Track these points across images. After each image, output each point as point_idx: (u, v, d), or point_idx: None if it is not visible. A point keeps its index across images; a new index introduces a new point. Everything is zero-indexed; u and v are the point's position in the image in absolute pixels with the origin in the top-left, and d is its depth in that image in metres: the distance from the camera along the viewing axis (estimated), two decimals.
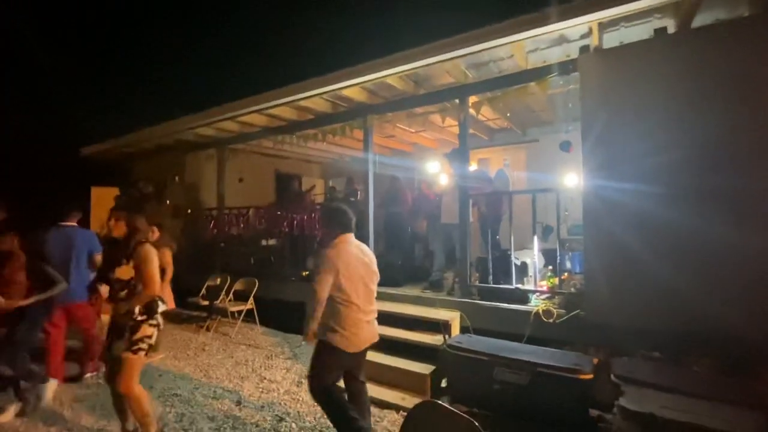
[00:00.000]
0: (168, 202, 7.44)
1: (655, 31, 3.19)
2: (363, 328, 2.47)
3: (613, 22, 3.21)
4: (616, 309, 3.18)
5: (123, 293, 2.41)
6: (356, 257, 2.50)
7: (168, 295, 4.51)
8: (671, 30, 3.14)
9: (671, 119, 3.00)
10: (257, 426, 2.92)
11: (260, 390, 3.54)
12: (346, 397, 2.55)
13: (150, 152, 7.67)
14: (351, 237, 2.61)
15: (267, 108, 5.13)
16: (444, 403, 3.25)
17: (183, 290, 5.92)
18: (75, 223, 3.90)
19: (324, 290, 2.36)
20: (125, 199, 8.07)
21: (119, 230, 2.52)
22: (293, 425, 2.94)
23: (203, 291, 5.78)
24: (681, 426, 2.13)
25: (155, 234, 4.61)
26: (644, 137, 3.09)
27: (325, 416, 2.92)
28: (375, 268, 2.63)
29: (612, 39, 3.49)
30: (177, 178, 7.37)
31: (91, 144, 7.93)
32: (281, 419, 3.02)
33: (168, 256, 4.54)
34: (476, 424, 1.59)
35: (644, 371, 2.69)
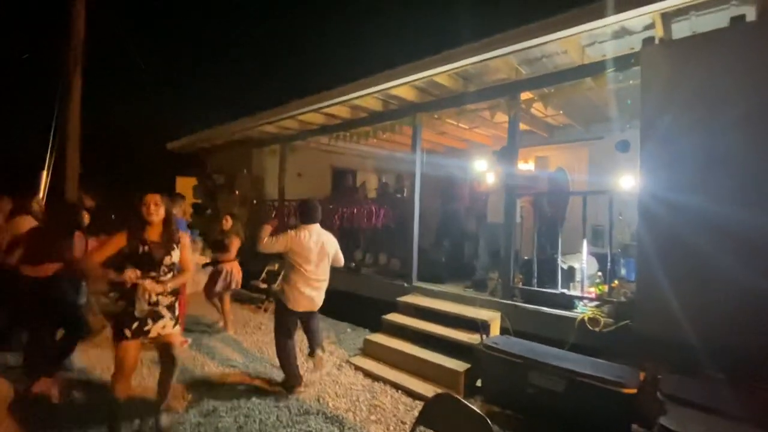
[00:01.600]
0: (237, 192, 8.16)
1: (732, 19, 2.86)
2: (303, 295, 3.30)
3: (682, 11, 2.94)
4: (670, 322, 2.94)
5: (168, 276, 2.53)
6: (309, 241, 3.28)
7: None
8: (750, 18, 2.80)
9: (747, 117, 2.69)
10: (297, 400, 3.20)
11: (304, 369, 3.82)
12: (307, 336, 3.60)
13: (222, 147, 8.47)
14: (313, 227, 3.36)
15: (323, 107, 5.42)
16: (477, 401, 3.32)
17: (246, 273, 6.51)
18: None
19: (269, 243, 3.26)
20: (201, 188, 9.01)
21: (159, 215, 2.51)
22: (330, 403, 3.17)
23: (263, 275, 6.30)
24: None
25: (228, 223, 5.11)
26: (714, 137, 2.81)
27: (358, 399, 3.19)
28: (328, 251, 3.38)
29: (683, 29, 3.19)
30: (245, 171, 8.05)
31: (175, 139, 8.95)
32: (320, 397, 3.27)
33: (237, 243, 5.03)
34: (488, 420, 1.64)
35: (695, 391, 2.50)
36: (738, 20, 2.82)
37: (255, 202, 7.90)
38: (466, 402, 1.79)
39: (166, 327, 2.50)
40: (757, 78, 2.64)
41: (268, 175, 8.00)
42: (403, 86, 4.54)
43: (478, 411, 1.70)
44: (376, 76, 4.54)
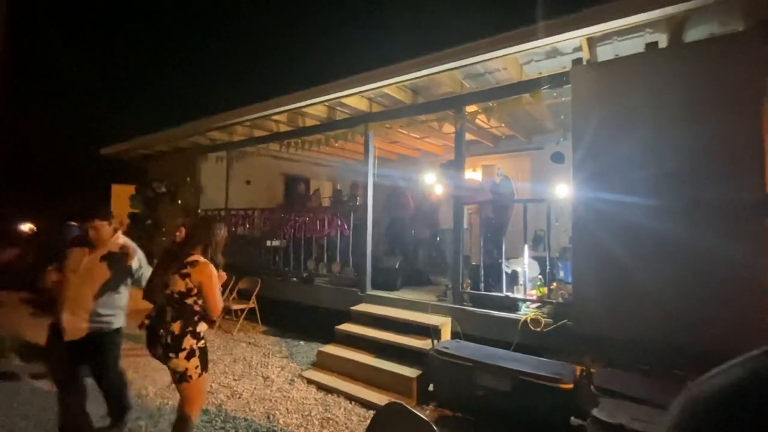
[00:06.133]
0: (180, 201, 7.71)
1: (647, 45, 3.21)
2: None
3: (606, 36, 3.24)
4: (603, 320, 3.20)
5: None
6: None
7: None
8: (663, 44, 3.15)
9: (660, 132, 3.02)
10: (245, 420, 3.06)
11: (254, 386, 3.69)
12: None
13: (164, 153, 7.99)
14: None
15: (272, 114, 5.32)
16: (430, 406, 3.37)
17: None
18: None
19: None
20: (140, 197, 8.42)
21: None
22: (280, 420, 3.07)
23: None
24: None
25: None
26: (634, 149, 3.12)
27: (311, 414, 3.13)
28: None
29: (606, 52, 3.52)
30: (189, 179, 7.63)
31: (109, 144, 8.30)
32: (270, 415, 3.16)
33: None
34: (434, 427, 1.68)
35: (624, 383, 2.72)
36: (652, 46, 3.17)
37: (199, 211, 7.52)
38: (412, 409, 1.81)
39: None
40: (668, 96, 2.98)
41: (214, 183, 7.65)
42: (353, 96, 4.57)
43: (424, 417, 1.73)
44: (326, 85, 4.53)
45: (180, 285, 2.13)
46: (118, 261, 2.56)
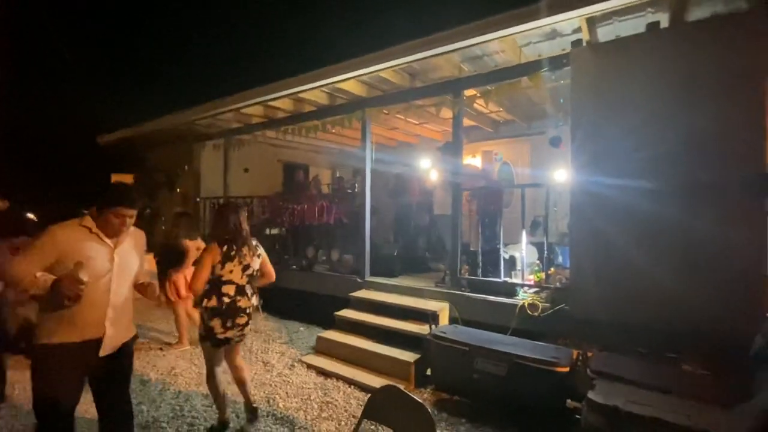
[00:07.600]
0: (178, 190, 7.71)
1: (648, 25, 3.13)
2: None
3: (606, 17, 3.17)
4: (600, 304, 3.21)
5: None
6: None
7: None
8: (664, 24, 3.08)
9: (660, 115, 2.98)
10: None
11: (254, 371, 3.74)
12: None
13: (162, 142, 7.94)
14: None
15: (268, 100, 5.25)
16: (428, 390, 3.41)
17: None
18: None
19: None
20: (140, 187, 8.40)
21: None
22: (280, 404, 3.12)
23: None
24: (642, 419, 2.19)
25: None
26: (632, 132, 3.08)
27: (310, 398, 3.17)
28: None
29: (607, 33, 3.45)
30: (186, 167, 7.61)
31: (106, 133, 8.25)
32: (270, 399, 3.20)
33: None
34: (425, 407, 1.70)
35: (620, 366, 2.73)
36: (653, 26, 3.09)
37: (198, 200, 7.51)
38: (406, 392, 1.84)
39: None
40: (668, 78, 2.93)
41: (212, 171, 7.62)
42: (349, 80, 4.51)
43: (417, 399, 1.75)
44: (321, 69, 4.46)
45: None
46: (139, 252, 2.15)
